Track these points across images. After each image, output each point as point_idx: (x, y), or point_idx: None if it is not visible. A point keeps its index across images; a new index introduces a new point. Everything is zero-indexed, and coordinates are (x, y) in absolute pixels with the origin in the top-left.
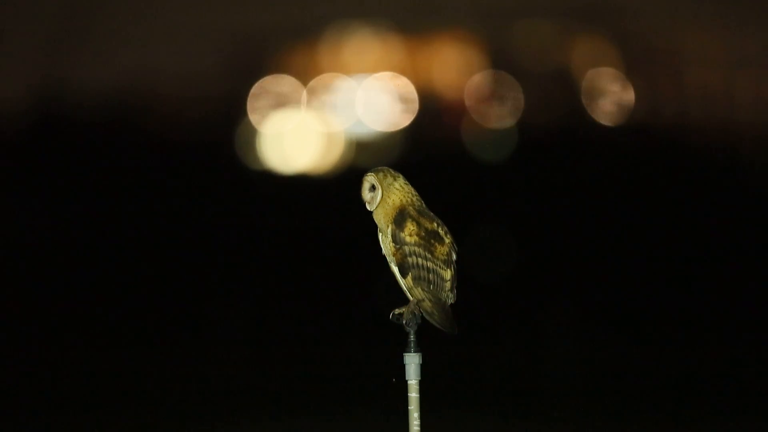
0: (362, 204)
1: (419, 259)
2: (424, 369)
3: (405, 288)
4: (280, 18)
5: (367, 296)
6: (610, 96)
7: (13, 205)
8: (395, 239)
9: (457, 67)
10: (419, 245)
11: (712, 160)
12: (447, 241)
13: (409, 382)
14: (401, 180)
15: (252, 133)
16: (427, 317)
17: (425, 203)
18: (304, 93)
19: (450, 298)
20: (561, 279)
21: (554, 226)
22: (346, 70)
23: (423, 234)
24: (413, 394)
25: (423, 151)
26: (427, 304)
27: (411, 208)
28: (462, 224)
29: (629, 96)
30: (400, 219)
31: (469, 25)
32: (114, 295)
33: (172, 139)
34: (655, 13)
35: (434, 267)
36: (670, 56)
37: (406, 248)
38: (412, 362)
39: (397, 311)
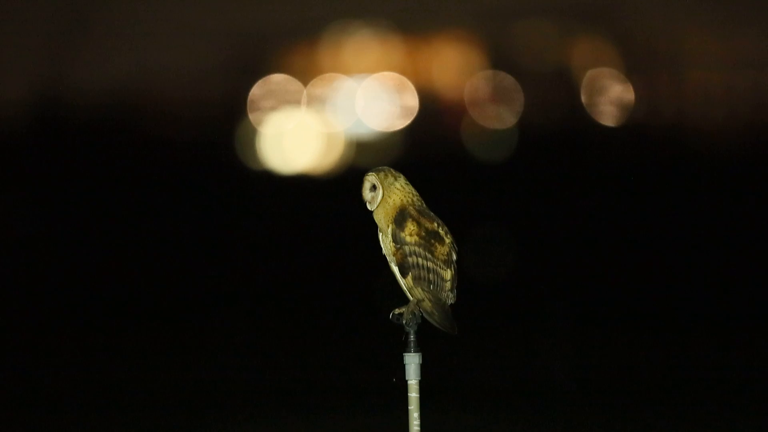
0: (362, 204)
1: (419, 259)
2: (424, 369)
3: (405, 288)
4: (280, 18)
5: (367, 296)
6: (610, 96)
7: (13, 205)
8: (395, 239)
9: (457, 67)
10: (419, 245)
11: (712, 160)
12: (447, 241)
13: (409, 382)
14: (402, 180)
15: (252, 133)
16: (427, 317)
17: (425, 203)
18: (304, 93)
19: (450, 298)
20: (560, 279)
21: (554, 226)
22: (346, 70)
23: (423, 234)
24: (413, 394)
25: (423, 151)
26: (427, 304)
27: (411, 208)
28: (462, 224)
29: (629, 96)
30: (400, 219)
31: (469, 25)
32: (114, 295)
33: (172, 139)
34: (655, 13)
35: (434, 267)
36: (670, 56)
37: (407, 248)
38: (412, 362)
39: (397, 311)
